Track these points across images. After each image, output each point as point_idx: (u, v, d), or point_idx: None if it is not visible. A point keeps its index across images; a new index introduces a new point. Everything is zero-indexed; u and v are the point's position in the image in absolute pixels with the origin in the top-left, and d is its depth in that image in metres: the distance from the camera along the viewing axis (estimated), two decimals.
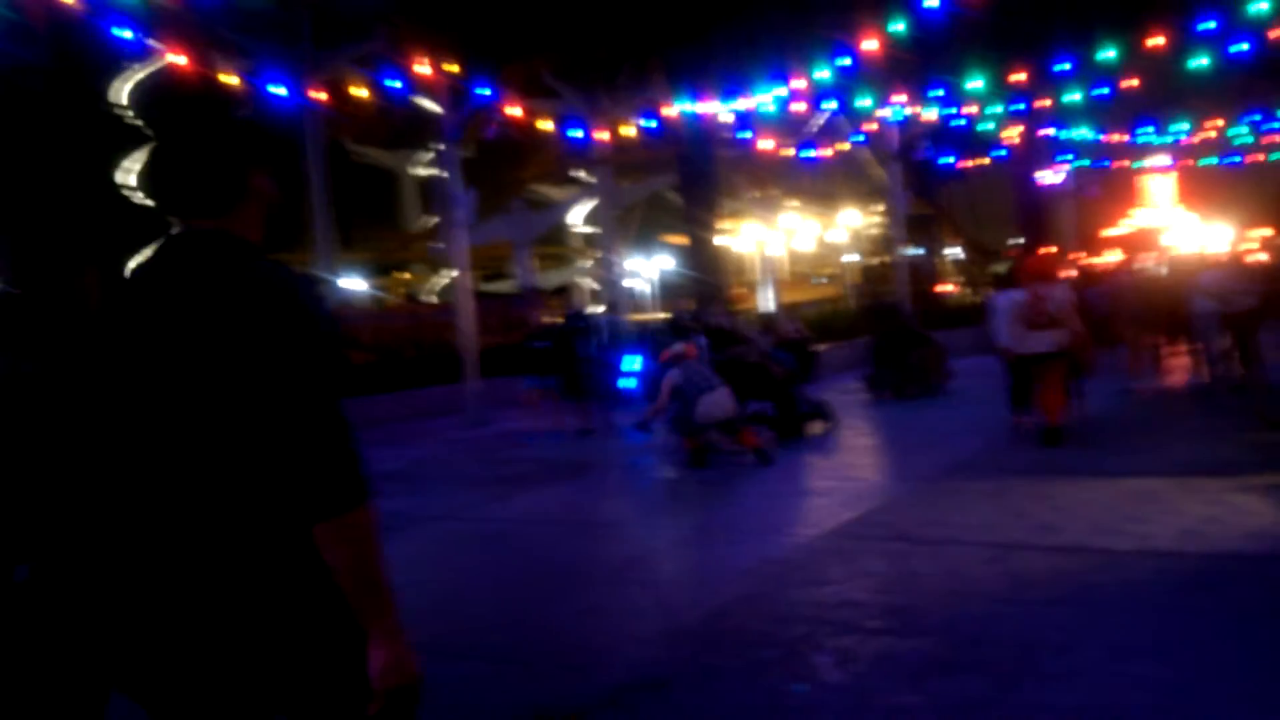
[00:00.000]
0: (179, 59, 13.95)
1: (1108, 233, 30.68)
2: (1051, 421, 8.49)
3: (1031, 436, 8.75)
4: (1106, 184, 28.27)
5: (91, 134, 28.36)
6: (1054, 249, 23.04)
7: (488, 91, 14.26)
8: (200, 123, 2.05)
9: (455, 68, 14.03)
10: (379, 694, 1.74)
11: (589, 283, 37.71)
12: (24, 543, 2.03)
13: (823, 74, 14.87)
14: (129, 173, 33.04)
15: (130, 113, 30.74)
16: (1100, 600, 4.45)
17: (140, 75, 29.51)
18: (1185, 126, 21.55)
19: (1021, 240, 28.06)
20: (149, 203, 2.07)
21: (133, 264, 1.97)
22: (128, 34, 12.71)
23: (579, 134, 18.37)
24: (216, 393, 1.72)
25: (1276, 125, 21.37)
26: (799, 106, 17.07)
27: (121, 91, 30.10)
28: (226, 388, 1.71)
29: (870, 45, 13.65)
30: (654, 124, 17.63)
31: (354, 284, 28.57)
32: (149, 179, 1.97)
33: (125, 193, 32.47)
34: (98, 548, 1.93)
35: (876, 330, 14.68)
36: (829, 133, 23.11)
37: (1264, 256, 17.10)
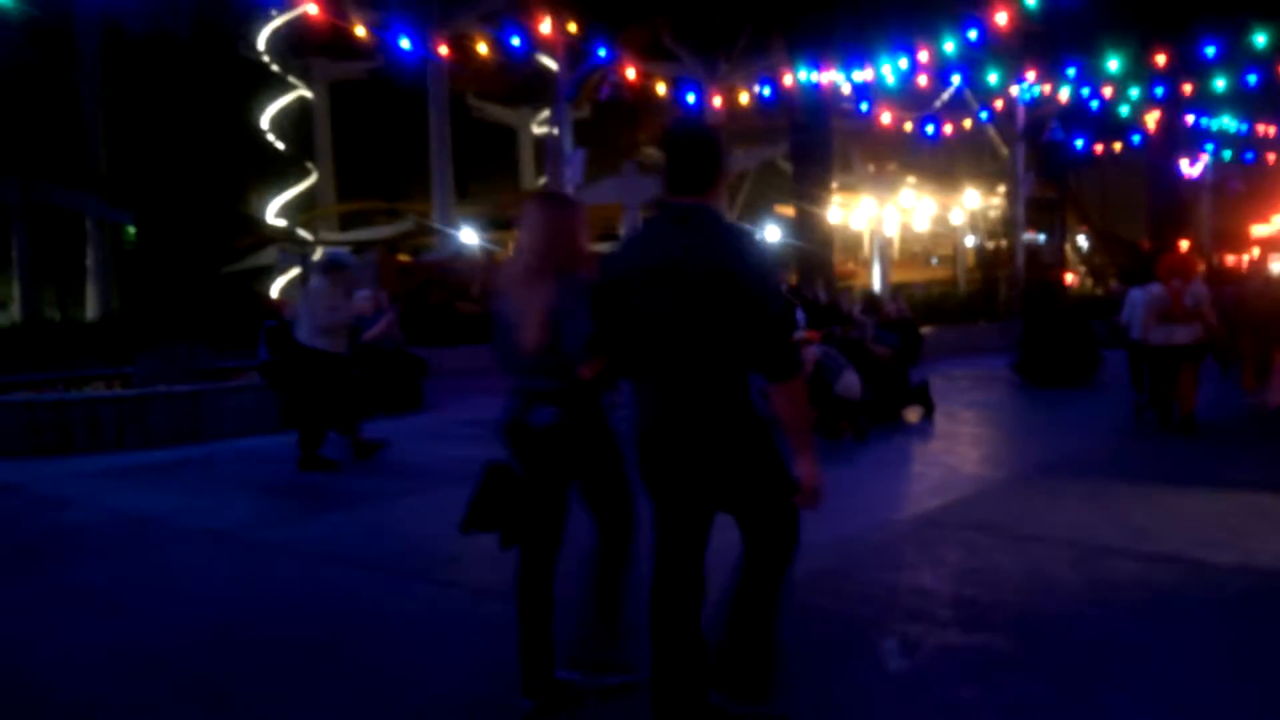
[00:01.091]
0: (312, 9, 14.33)
1: (1254, 230, 28.96)
2: (1185, 411, 8.97)
3: (1153, 430, 9.10)
4: (1250, 179, 26.60)
5: (232, 80, 29.51)
6: (1188, 244, 21.94)
7: (605, 52, 14.28)
8: (702, 134, 3.04)
9: (574, 27, 14.09)
10: (804, 488, 2.93)
11: None
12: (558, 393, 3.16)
13: (949, 47, 14.38)
14: (262, 116, 34.28)
15: (266, 59, 31.86)
16: (1186, 614, 4.26)
17: (278, 23, 30.47)
18: None
19: (1154, 234, 26.76)
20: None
21: (648, 215, 3.01)
22: None
23: (693, 99, 18.22)
24: (720, 305, 2.78)
25: None
26: (922, 80, 16.57)
27: (259, 39, 31.17)
28: (727, 302, 2.77)
29: (1001, 18, 13.12)
30: (769, 91, 17.36)
31: (468, 236, 29.12)
32: (670, 178, 2.94)
33: (259, 135, 33.76)
34: (658, 395, 2.94)
35: (1031, 313, 14.17)
36: (952, 108, 22.38)
37: None
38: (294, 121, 34.89)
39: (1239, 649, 3.88)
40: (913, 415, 10.15)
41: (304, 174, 35.48)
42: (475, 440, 9.15)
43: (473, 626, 4.30)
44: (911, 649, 3.94)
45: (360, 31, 16.53)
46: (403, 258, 28.52)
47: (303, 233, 35.46)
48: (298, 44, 31.11)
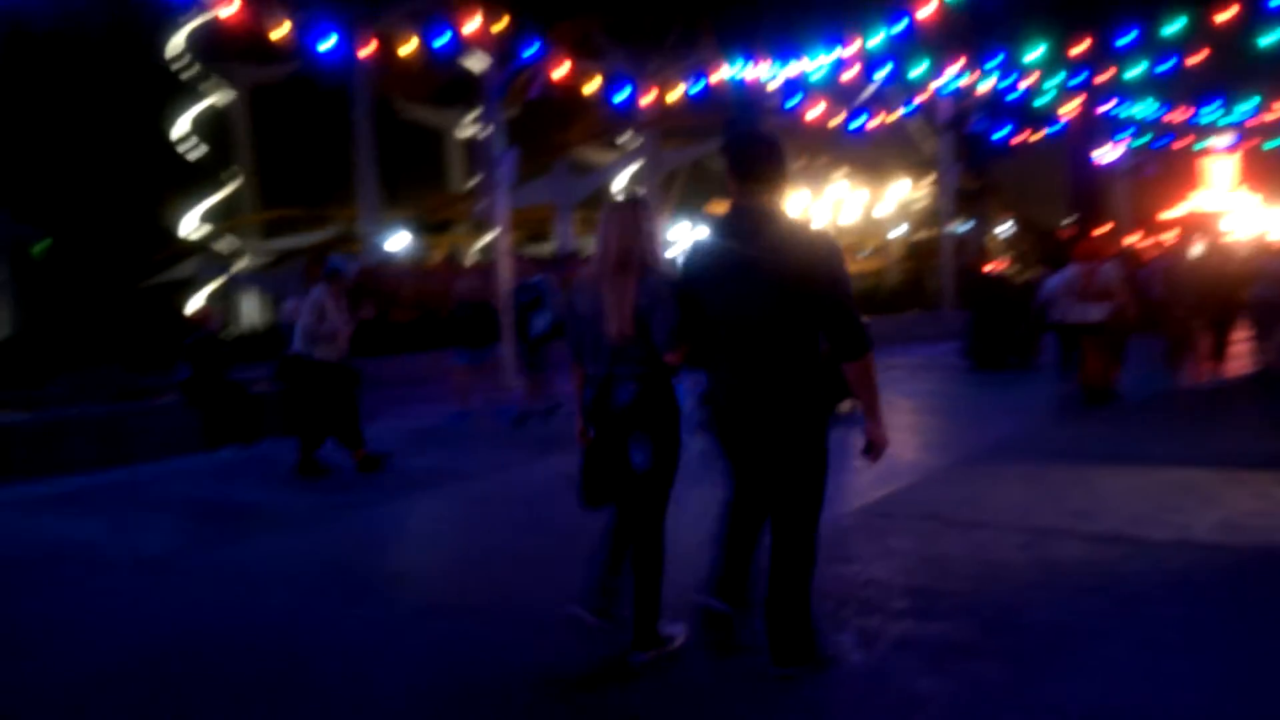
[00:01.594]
0: (230, 10, 13.89)
1: (1165, 214, 29.86)
2: (1095, 384, 9.59)
3: (1076, 405, 9.56)
4: (1165, 164, 27.43)
5: (146, 85, 28.55)
6: (1107, 228, 22.48)
7: (535, 50, 14.11)
8: (765, 138, 3.53)
9: (503, 25, 13.90)
10: (874, 444, 3.46)
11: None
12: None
13: (876, 40, 14.52)
14: (178, 123, 33.26)
15: (181, 64, 30.93)
16: (1135, 592, 4.31)
17: (193, 26, 29.61)
18: (1251, 105, 20.80)
19: (1074, 218, 27.43)
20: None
21: (718, 211, 3.57)
22: None
23: (624, 96, 18.14)
24: (798, 288, 3.25)
25: None
26: (850, 74, 16.72)
27: (173, 43, 30.25)
28: (803, 286, 3.25)
29: (926, 11, 13.29)
30: (701, 88, 17.37)
31: (397, 241, 28.66)
32: (735, 165, 3.39)
33: (175, 142, 32.75)
34: (731, 376, 3.45)
35: (978, 302, 14.47)
36: (880, 102, 22.64)
37: None
38: (212, 128, 33.98)
39: (1188, 625, 3.92)
40: (846, 406, 10.15)
41: (224, 182, 34.56)
42: (414, 452, 8.98)
43: (420, 647, 4.14)
44: (869, 641, 3.91)
45: (280, 33, 16.09)
46: None
47: (224, 243, 34.54)
48: (215, 47, 30.23)
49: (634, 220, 3.62)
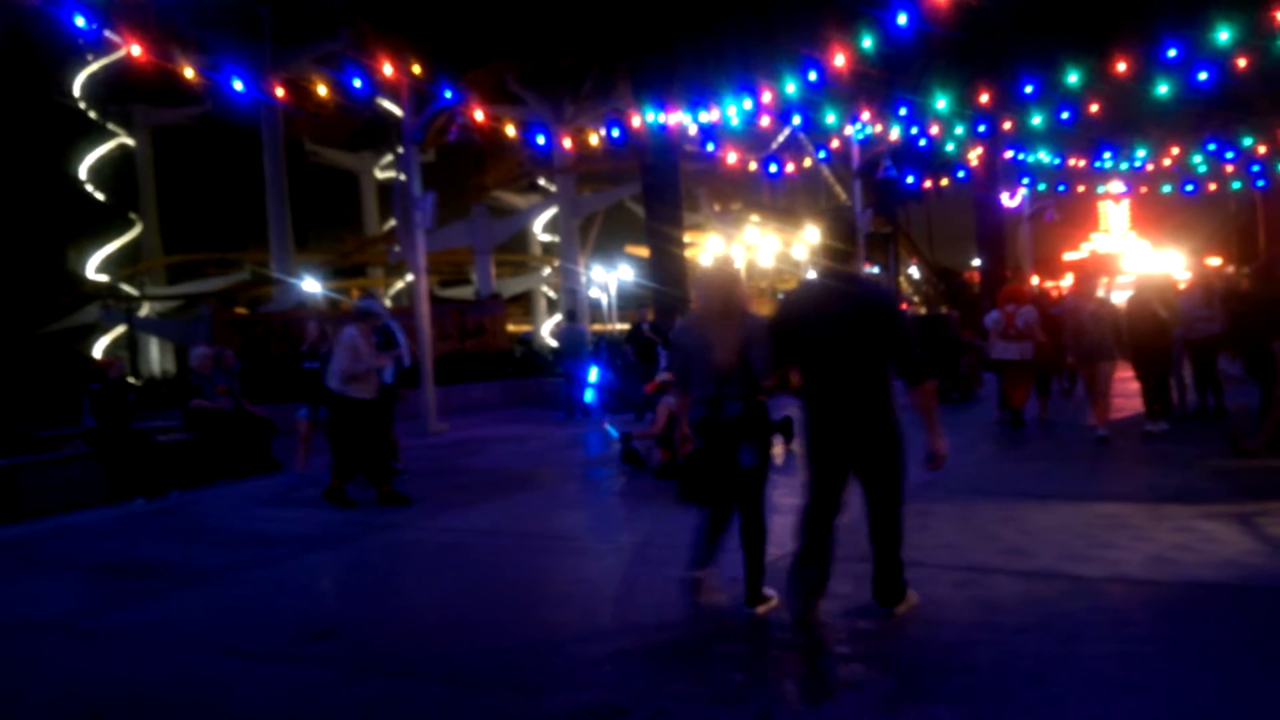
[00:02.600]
0: (135, 50, 13.48)
1: (1066, 256, 31.10)
2: (1015, 406, 10.93)
3: (1006, 438, 10.57)
4: (1064, 208, 28.64)
5: (45, 126, 27.56)
6: (1016, 272, 23.22)
7: (450, 94, 14.01)
8: (848, 222, 4.78)
9: (418, 69, 13.79)
10: (936, 455, 4.42)
11: (546, 290, 37.43)
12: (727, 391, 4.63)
13: (789, 89, 14.83)
14: (79, 165, 32.16)
15: (83, 104, 29.96)
16: (1074, 629, 4.33)
17: (95, 67, 28.77)
18: (1143, 153, 21.86)
19: (978, 262, 28.29)
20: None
21: (808, 278, 5.16)
22: (83, 23, 12.26)
23: (542, 141, 18.15)
24: (872, 335, 4.32)
25: (1231, 155, 21.75)
26: (764, 121, 17.03)
27: (76, 82, 29.32)
28: (876, 334, 4.32)
29: (838, 61, 13.63)
30: (617, 133, 17.49)
31: (309, 286, 28.00)
32: (828, 252, 4.51)
33: (76, 184, 31.61)
34: (826, 399, 4.46)
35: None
36: (792, 148, 23.14)
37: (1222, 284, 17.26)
38: (115, 171, 32.97)
39: (1128, 662, 3.94)
40: (778, 448, 10.18)
41: (127, 226, 33.45)
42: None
43: (351, 709, 3.92)
44: (819, 685, 3.82)
45: (188, 74, 15.69)
46: (240, 310, 27.16)
47: (127, 288, 33.31)
48: (118, 89, 29.42)
49: (732, 279, 4.84)
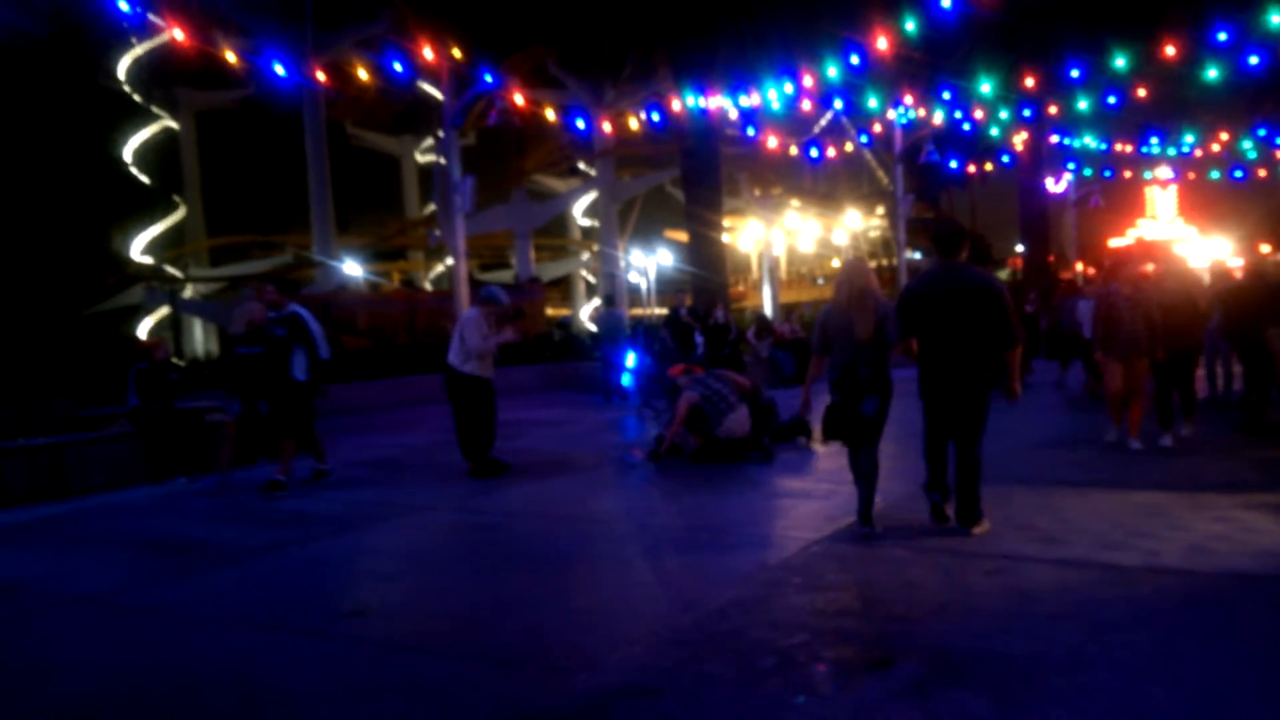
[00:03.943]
0: (179, 35, 13.66)
1: (1112, 243, 30.54)
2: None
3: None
4: (1110, 194, 28.10)
5: (92, 109, 28.01)
6: (1053, 259, 22.84)
7: (490, 78, 14.03)
8: (955, 231, 6.33)
9: (458, 53, 13.82)
10: (1015, 392, 5.97)
11: (585, 275, 37.49)
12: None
13: (830, 72, 14.68)
14: (124, 148, 32.66)
15: (128, 88, 30.39)
16: (1108, 618, 4.28)
17: (140, 51, 29.16)
18: (1192, 139, 21.37)
19: (1022, 247, 27.89)
20: None
21: (934, 267, 6.08)
22: (127, 7, 12.44)
23: (582, 125, 18.15)
24: (983, 312, 5.78)
25: None
26: (805, 105, 16.88)
27: (120, 66, 29.74)
28: (986, 311, 5.78)
29: (880, 44, 13.47)
30: (657, 117, 17.43)
31: (351, 269, 28.29)
32: (942, 245, 6.10)
33: (121, 167, 32.12)
34: (941, 360, 5.91)
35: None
36: (834, 133, 22.93)
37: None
38: (159, 154, 33.45)
39: (1164, 653, 3.90)
40: (802, 440, 10.05)
41: (171, 208, 33.95)
42: (368, 483, 8.78)
43: (385, 687, 3.99)
44: (848, 675, 3.82)
45: (231, 58, 15.88)
46: None
47: (170, 269, 33.84)
48: (162, 73, 29.82)
49: (866, 273, 6.14)
